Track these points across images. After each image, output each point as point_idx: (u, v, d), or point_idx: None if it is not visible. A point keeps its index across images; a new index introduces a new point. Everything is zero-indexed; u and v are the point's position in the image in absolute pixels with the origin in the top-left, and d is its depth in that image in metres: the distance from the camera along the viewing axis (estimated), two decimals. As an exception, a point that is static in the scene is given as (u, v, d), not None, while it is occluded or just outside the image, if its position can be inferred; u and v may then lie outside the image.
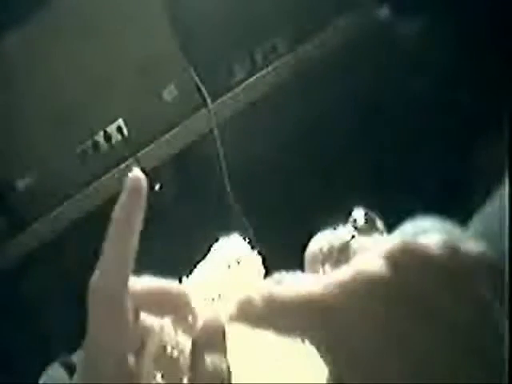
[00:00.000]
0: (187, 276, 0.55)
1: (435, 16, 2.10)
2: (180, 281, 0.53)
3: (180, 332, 0.51)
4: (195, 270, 0.56)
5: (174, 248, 1.97)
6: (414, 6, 2.14)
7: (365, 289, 0.41)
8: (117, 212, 0.52)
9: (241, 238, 0.58)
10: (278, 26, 2.10)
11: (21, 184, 1.90)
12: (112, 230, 0.51)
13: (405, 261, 0.41)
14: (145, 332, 0.50)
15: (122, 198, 0.52)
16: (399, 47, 2.21)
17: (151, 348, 0.50)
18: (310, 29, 2.11)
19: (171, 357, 0.50)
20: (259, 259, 0.57)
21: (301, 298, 0.42)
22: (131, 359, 0.47)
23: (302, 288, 0.43)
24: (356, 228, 0.46)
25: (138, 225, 0.52)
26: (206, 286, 0.52)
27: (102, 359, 0.47)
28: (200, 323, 0.49)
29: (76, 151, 1.95)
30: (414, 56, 2.19)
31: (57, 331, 1.93)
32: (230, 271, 0.55)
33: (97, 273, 0.48)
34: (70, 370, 1.66)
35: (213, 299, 0.51)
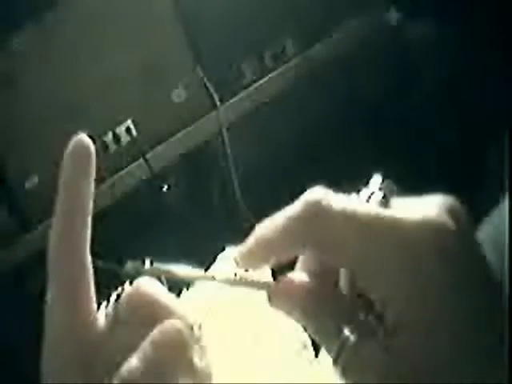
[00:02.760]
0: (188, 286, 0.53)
1: (445, 18, 2.10)
2: (179, 293, 0.50)
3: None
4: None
5: (182, 249, 1.96)
6: (424, 8, 2.14)
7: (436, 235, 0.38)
8: (63, 186, 0.49)
9: None
10: (287, 27, 2.10)
11: (29, 184, 1.90)
12: (59, 207, 0.48)
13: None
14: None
15: (67, 167, 0.50)
16: (409, 49, 2.20)
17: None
18: (320, 30, 2.11)
19: None
20: (268, 270, 0.55)
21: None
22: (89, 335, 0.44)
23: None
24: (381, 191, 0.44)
25: (89, 196, 0.48)
26: (207, 299, 0.51)
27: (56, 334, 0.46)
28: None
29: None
30: (424, 58, 2.19)
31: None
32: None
33: (50, 244, 0.46)
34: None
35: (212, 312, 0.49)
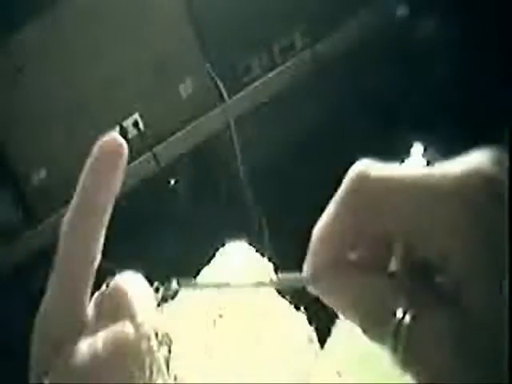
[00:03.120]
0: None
1: (452, 14, 2.09)
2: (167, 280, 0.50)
3: None
4: (198, 276, 0.55)
5: (188, 243, 1.96)
6: (432, 4, 2.13)
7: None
8: (84, 179, 0.47)
9: (247, 245, 0.56)
10: (295, 22, 2.09)
11: (35, 179, 1.90)
12: (76, 201, 0.46)
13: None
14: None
15: (91, 162, 0.47)
16: (416, 44, 2.20)
17: None
18: (328, 25, 2.11)
19: None
20: (269, 266, 0.54)
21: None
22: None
23: None
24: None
25: (109, 198, 0.46)
26: (206, 295, 0.50)
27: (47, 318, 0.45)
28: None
29: (91, 146, 1.95)
30: (430, 54, 2.18)
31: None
32: (233, 278, 0.53)
33: (61, 242, 0.45)
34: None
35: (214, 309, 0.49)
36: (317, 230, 0.41)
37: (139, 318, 0.44)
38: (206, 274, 0.54)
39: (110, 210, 0.46)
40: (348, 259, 0.40)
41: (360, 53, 2.10)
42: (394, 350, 0.36)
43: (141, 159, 1.98)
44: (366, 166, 0.40)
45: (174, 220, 2.06)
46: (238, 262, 0.54)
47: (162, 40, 1.97)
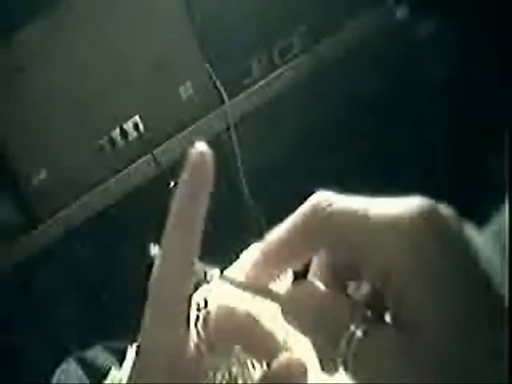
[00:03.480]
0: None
1: (452, 15, 2.09)
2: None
3: (249, 359, 0.48)
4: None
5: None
6: (432, 5, 2.14)
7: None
8: (177, 199, 0.47)
9: None
10: (295, 24, 2.10)
11: (36, 180, 1.90)
12: (172, 222, 0.46)
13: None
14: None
15: (183, 180, 0.47)
16: (416, 46, 2.20)
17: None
18: (328, 28, 2.11)
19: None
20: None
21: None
22: (182, 362, 0.44)
23: None
24: None
25: (202, 214, 0.47)
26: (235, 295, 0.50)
27: (147, 360, 0.44)
28: (281, 359, 0.45)
29: (92, 147, 1.95)
30: (430, 55, 2.18)
31: (70, 327, 1.93)
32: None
33: (156, 271, 0.44)
34: (84, 365, 1.66)
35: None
36: (264, 244, 0.44)
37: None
38: (232, 274, 0.55)
39: (203, 215, 0.47)
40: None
41: (360, 54, 2.10)
42: (345, 362, 0.39)
43: (141, 161, 1.98)
44: (325, 197, 0.42)
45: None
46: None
47: (162, 42, 1.97)
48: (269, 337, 0.46)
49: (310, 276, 0.44)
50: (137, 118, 1.98)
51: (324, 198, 0.42)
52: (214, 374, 0.48)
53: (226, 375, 0.48)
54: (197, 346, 0.45)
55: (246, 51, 2.08)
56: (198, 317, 0.46)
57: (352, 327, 0.38)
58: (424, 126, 2.12)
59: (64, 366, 1.66)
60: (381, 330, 0.39)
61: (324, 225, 0.41)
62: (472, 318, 0.37)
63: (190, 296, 0.46)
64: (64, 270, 2.02)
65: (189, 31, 1.99)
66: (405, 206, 0.40)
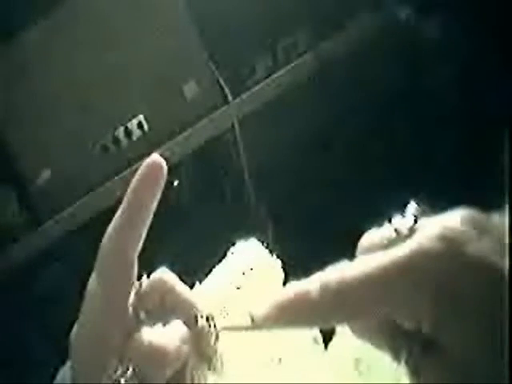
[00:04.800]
0: (200, 280, 0.54)
1: (456, 15, 2.09)
2: (192, 286, 0.52)
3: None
4: (210, 275, 0.55)
5: (193, 246, 1.97)
6: (436, 4, 2.13)
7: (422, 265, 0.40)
8: (129, 194, 0.51)
9: (258, 243, 0.57)
10: (299, 22, 2.09)
11: (40, 179, 1.90)
12: (121, 211, 0.50)
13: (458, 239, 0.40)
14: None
15: (136, 181, 0.51)
16: (419, 46, 2.20)
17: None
18: (332, 25, 2.11)
19: None
20: (278, 264, 0.55)
21: (371, 275, 0.41)
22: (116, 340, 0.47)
23: (366, 266, 0.41)
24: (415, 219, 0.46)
25: (148, 214, 0.50)
26: (218, 293, 0.52)
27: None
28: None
29: (96, 147, 1.95)
30: (434, 55, 2.18)
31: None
32: (244, 277, 0.53)
33: (105, 239, 0.49)
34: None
35: (224, 308, 0.50)
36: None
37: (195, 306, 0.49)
38: (218, 273, 0.55)
39: (147, 223, 0.50)
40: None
41: (363, 54, 2.10)
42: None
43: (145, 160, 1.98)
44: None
45: (178, 221, 2.06)
46: (249, 261, 0.55)
47: (166, 41, 1.97)
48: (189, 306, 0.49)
49: None
50: (141, 117, 1.98)
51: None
52: None
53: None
54: (134, 310, 0.49)
55: (249, 50, 2.08)
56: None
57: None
58: (426, 127, 2.12)
59: (66, 366, 1.66)
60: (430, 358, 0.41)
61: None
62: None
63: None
64: (67, 269, 2.02)
65: (193, 31, 1.99)
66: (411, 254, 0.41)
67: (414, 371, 0.41)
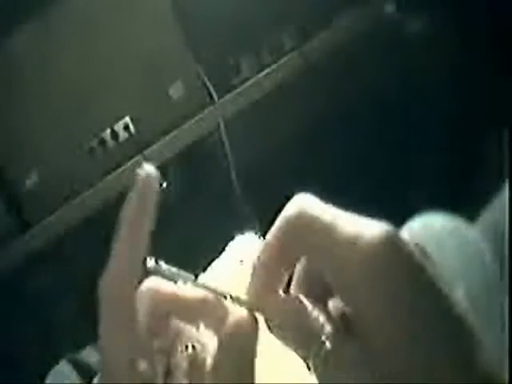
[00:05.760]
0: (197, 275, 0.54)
1: (442, 12, 2.10)
2: (196, 278, 0.52)
3: (205, 330, 0.50)
4: (209, 268, 0.56)
5: (180, 246, 1.97)
6: (421, 1, 2.14)
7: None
8: (127, 211, 0.49)
9: (256, 236, 0.58)
10: (284, 22, 2.10)
11: (27, 182, 1.90)
12: (123, 230, 0.49)
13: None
14: (175, 336, 0.49)
15: (133, 195, 0.49)
16: (406, 43, 2.20)
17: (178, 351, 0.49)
18: (317, 25, 2.11)
19: (195, 356, 0.49)
20: None
21: None
22: (142, 363, 0.46)
23: None
24: None
25: (149, 224, 0.49)
26: (220, 284, 0.52)
27: (110, 360, 0.46)
28: (231, 320, 0.47)
29: (83, 149, 1.95)
30: (420, 52, 2.19)
31: (62, 330, 1.93)
32: (244, 269, 0.54)
33: (107, 273, 0.47)
34: (78, 366, 1.66)
35: (225, 297, 0.50)
36: (258, 255, 0.46)
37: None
38: (217, 267, 0.55)
39: (149, 232, 0.49)
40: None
41: (349, 52, 2.10)
42: (315, 367, 0.43)
43: (132, 162, 1.98)
44: (304, 202, 0.45)
45: (165, 221, 2.06)
46: (247, 254, 0.55)
47: (151, 42, 1.97)
48: (200, 300, 0.48)
49: (292, 285, 0.47)
50: (127, 118, 1.97)
51: (301, 206, 0.45)
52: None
53: (184, 354, 0.49)
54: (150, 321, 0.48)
55: (235, 50, 2.08)
56: None
57: (323, 338, 0.42)
58: (415, 124, 2.13)
59: (57, 367, 1.66)
60: (347, 342, 0.42)
61: (301, 234, 0.44)
62: (422, 335, 0.40)
63: None
64: (56, 272, 2.02)
65: (178, 31, 1.99)
66: (371, 227, 0.42)
67: (324, 359, 0.42)
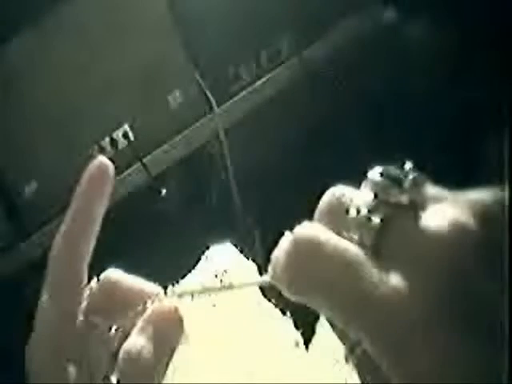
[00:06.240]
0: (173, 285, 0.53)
1: (441, 17, 2.10)
2: (165, 289, 0.52)
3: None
4: (184, 279, 0.55)
5: (180, 253, 1.96)
6: (420, 7, 2.14)
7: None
8: (75, 199, 0.51)
9: (232, 247, 0.57)
10: (282, 29, 2.10)
11: (26, 191, 1.90)
12: (67, 220, 0.50)
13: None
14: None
15: (82, 184, 0.52)
16: (405, 49, 2.20)
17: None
18: (315, 32, 2.11)
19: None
20: (253, 267, 0.55)
21: None
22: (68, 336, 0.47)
23: None
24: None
25: (97, 216, 0.50)
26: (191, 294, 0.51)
27: (35, 359, 0.48)
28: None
29: (82, 157, 1.95)
30: (419, 57, 2.19)
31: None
32: (217, 280, 0.53)
33: (55, 241, 0.49)
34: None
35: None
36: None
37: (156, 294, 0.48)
38: (191, 278, 0.55)
39: (97, 228, 0.50)
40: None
41: (348, 59, 2.10)
42: (348, 359, 0.39)
43: (131, 170, 1.98)
44: (311, 233, 0.39)
45: (164, 230, 2.06)
46: (222, 265, 0.54)
47: (150, 51, 1.97)
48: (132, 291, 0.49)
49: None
50: (126, 127, 1.98)
51: (311, 235, 0.40)
52: None
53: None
54: (85, 317, 0.49)
55: (234, 57, 2.08)
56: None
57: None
58: (414, 131, 2.13)
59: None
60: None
61: (309, 266, 0.38)
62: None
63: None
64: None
65: (176, 39, 2.00)
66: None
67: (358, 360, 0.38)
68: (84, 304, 0.49)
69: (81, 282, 0.49)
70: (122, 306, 0.49)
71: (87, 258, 0.49)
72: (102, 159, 0.50)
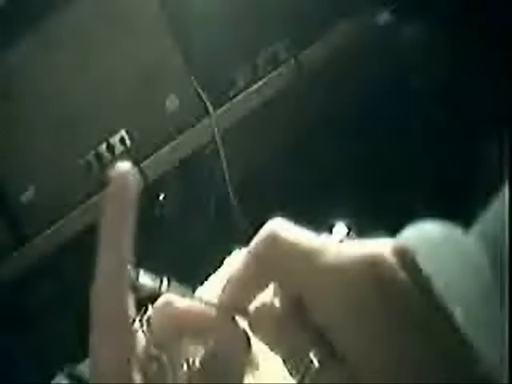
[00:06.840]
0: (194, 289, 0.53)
1: (435, 20, 2.10)
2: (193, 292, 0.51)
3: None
4: (205, 282, 0.56)
5: (177, 258, 1.97)
6: (415, 10, 2.15)
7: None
8: (106, 215, 0.49)
9: None
10: (278, 33, 2.10)
11: (23, 197, 1.90)
12: (104, 235, 0.48)
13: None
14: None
15: (108, 198, 0.49)
16: (402, 51, 2.21)
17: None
18: (312, 34, 2.11)
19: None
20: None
21: None
22: (136, 375, 0.44)
23: None
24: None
25: (131, 225, 0.48)
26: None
27: (99, 361, 0.45)
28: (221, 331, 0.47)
29: (79, 163, 1.95)
30: (414, 60, 2.19)
31: (60, 343, 1.92)
32: None
33: (96, 280, 0.46)
34: (75, 380, 1.66)
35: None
36: (231, 273, 0.46)
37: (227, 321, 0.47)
38: (213, 282, 0.55)
39: (132, 234, 0.48)
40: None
41: (344, 63, 2.11)
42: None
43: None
44: (278, 227, 0.44)
45: (162, 234, 2.06)
46: None
47: (146, 56, 1.97)
48: (204, 315, 0.47)
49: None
50: (123, 132, 1.98)
51: (275, 232, 0.44)
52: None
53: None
54: (146, 350, 0.47)
55: (230, 61, 2.08)
56: (142, 323, 0.48)
57: (311, 355, 0.41)
58: (411, 131, 2.13)
59: (54, 380, 1.66)
60: (334, 363, 0.40)
61: (276, 260, 0.43)
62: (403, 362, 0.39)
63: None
64: (53, 286, 2.02)
65: (173, 44, 2.00)
66: (353, 253, 0.41)
67: (313, 379, 0.41)
68: (142, 343, 0.47)
69: (128, 322, 0.46)
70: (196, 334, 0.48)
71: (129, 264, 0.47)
72: (123, 167, 0.49)
